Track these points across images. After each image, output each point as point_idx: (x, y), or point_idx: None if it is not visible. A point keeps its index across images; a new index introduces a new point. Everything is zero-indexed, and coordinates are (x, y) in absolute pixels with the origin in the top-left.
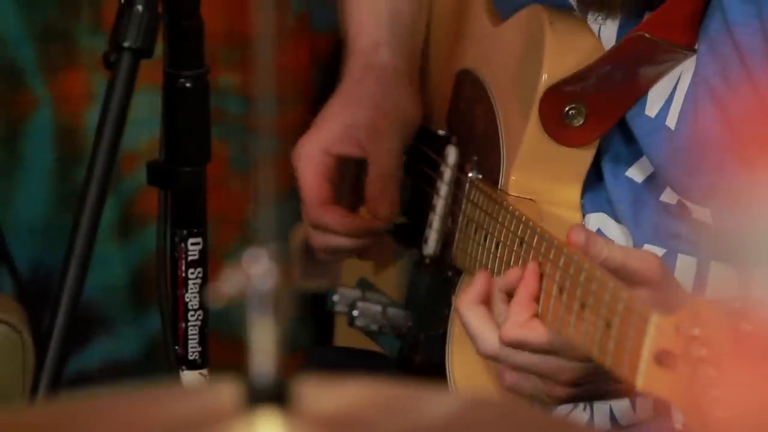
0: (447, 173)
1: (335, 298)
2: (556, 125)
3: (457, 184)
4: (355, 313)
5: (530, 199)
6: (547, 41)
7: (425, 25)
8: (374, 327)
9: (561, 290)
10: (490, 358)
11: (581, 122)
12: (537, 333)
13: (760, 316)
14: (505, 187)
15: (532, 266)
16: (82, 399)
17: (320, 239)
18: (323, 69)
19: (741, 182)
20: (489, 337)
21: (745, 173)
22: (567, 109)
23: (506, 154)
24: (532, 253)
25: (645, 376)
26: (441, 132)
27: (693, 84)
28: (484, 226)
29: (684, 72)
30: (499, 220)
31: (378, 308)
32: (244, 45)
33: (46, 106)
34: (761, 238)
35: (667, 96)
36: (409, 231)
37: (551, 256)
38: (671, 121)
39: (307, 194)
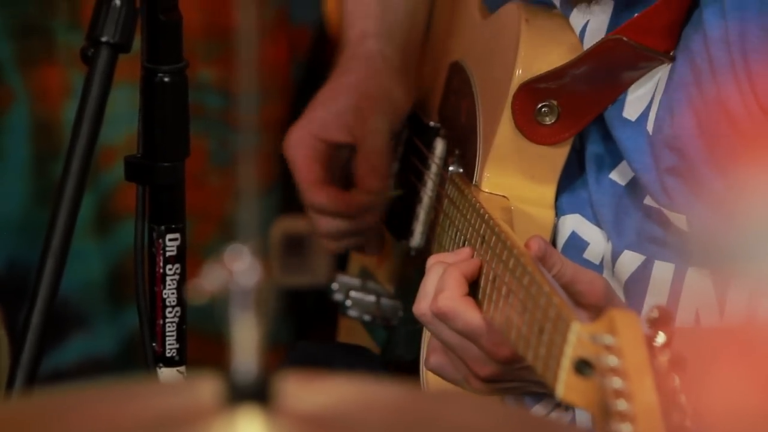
0: (433, 166)
1: (334, 286)
2: (528, 122)
3: (441, 177)
4: (348, 302)
5: (503, 196)
6: (522, 37)
7: (425, 17)
8: (367, 318)
9: (509, 292)
10: (421, 318)
11: (554, 120)
12: (470, 312)
13: (679, 327)
14: (479, 183)
15: (467, 251)
16: (59, 395)
17: (320, 224)
18: (302, 64)
19: (715, 190)
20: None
21: (719, 181)
22: (540, 106)
23: (482, 150)
24: (489, 252)
25: (565, 385)
26: (432, 123)
27: (669, 89)
28: (456, 223)
29: (662, 77)
30: (467, 217)
31: (372, 298)
32: (223, 38)
33: (24, 101)
34: (737, 246)
35: (649, 100)
36: (400, 222)
37: (503, 257)
38: (650, 126)
39: (301, 177)
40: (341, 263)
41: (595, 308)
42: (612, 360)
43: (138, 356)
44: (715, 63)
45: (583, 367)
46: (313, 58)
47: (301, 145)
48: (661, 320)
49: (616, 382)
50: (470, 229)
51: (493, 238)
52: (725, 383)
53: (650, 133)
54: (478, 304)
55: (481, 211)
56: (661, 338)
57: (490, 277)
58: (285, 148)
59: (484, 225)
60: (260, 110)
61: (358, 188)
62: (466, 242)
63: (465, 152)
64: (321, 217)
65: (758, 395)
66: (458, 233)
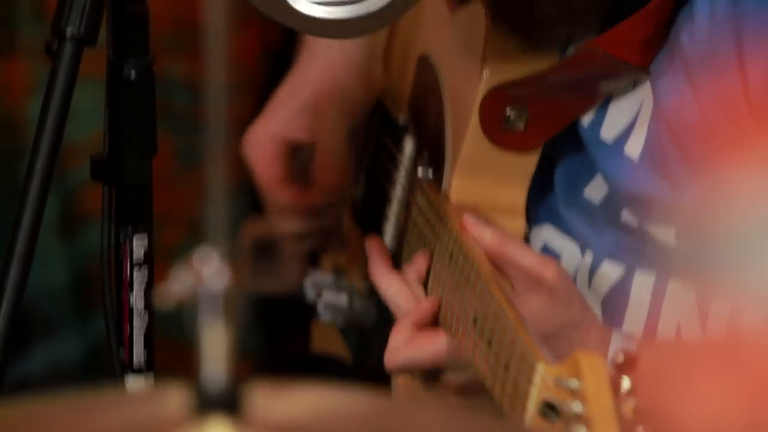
0: (402, 168)
1: (307, 284)
2: (495, 129)
3: (410, 182)
4: (321, 305)
5: (473, 207)
6: (488, 38)
7: None
8: (340, 322)
9: (476, 320)
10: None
11: (522, 127)
12: (421, 350)
13: (658, 341)
14: (447, 191)
15: (432, 299)
16: (23, 405)
17: (282, 224)
18: (274, 58)
19: (702, 207)
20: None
21: (705, 200)
22: (508, 112)
23: (450, 156)
24: (457, 272)
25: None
26: (401, 121)
27: (655, 117)
28: (424, 233)
29: (645, 102)
30: (436, 229)
31: (345, 299)
32: (192, 31)
33: None
34: (724, 262)
35: (628, 123)
36: (372, 221)
37: (471, 280)
38: (633, 150)
39: (262, 177)
40: (314, 260)
41: (544, 288)
42: (577, 406)
43: (105, 364)
44: (701, 93)
45: (548, 411)
46: (285, 52)
47: (261, 145)
48: (627, 365)
49: (581, 430)
50: (438, 243)
51: (461, 258)
52: (707, 394)
53: (634, 159)
54: (448, 328)
55: (449, 225)
56: (626, 384)
57: (459, 302)
58: (245, 150)
59: (452, 242)
60: (230, 107)
61: (317, 186)
62: (433, 255)
63: (434, 154)
64: (283, 217)
65: (740, 406)
66: (426, 244)
